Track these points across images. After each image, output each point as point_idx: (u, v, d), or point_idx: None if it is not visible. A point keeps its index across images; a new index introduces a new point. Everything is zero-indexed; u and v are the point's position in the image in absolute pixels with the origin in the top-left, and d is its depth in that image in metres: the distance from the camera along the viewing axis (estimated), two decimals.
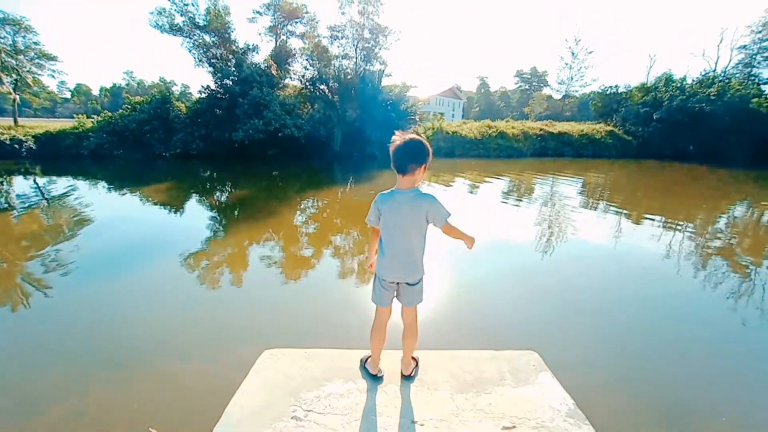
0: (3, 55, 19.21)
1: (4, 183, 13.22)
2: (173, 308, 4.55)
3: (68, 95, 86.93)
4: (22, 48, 24.89)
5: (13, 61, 20.91)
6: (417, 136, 1.97)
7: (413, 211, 1.99)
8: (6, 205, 9.88)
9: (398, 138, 1.99)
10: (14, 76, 20.94)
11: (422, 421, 1.93)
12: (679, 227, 8.90)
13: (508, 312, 4.52)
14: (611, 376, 3.29)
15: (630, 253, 6.95)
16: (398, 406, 2.05)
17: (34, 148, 18.78)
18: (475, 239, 2.12)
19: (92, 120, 21.55)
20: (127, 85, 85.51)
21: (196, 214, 9.72)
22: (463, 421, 1.95)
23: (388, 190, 2.08)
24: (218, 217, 9.38)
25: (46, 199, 10.66)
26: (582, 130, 30.60)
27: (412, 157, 1.96)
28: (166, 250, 6.68)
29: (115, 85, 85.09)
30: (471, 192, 13.86)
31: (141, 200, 11.00)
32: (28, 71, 23.73)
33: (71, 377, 3.20)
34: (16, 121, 23.53)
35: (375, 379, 2.27)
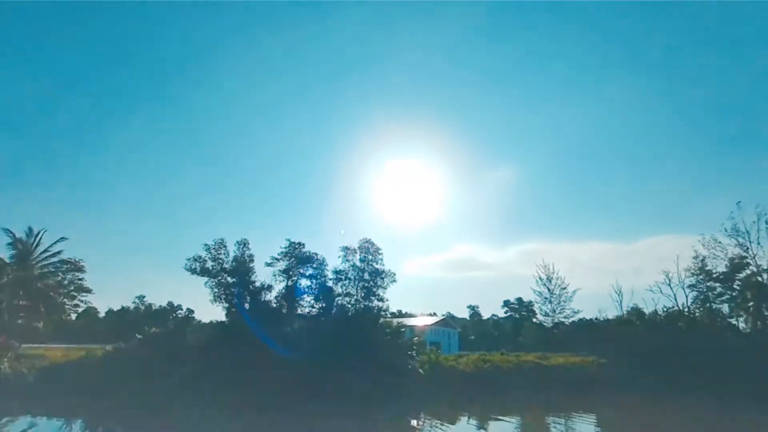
0: (59, 296, 22.30)
1: None
2: None
3: (73, 317, 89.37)
4: (65, 283, 28.68)
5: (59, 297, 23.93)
6: None
7: None
8: None
9: None
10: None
11: None
12: None
13: None
14: None
15: None
16: None
17: (32, 381, 19.04)
18: None
19: (102, 348, 22.63)
20: (135, 308, 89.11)
21: None
22: None
23: None
24: None
25: None
26: (575, 363, 31.15)
27: None
28: None
29: (123, 307, 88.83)
30: None
31: None
32: (64, 303, 26.59)
33: None
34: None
35: None
